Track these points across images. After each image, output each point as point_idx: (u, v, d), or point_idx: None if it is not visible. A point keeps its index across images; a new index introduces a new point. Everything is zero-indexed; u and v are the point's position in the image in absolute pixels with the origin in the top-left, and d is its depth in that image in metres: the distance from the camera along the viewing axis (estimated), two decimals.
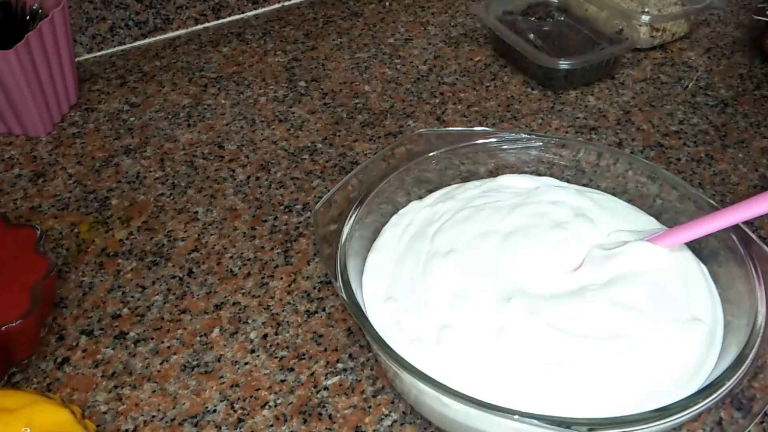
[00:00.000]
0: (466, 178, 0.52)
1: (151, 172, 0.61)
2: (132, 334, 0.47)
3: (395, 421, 0.42)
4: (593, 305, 0.40)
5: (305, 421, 0.42)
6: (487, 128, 0.60)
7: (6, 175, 0.61)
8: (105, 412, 0.43)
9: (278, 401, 0.43)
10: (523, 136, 0.51)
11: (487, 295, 0.41)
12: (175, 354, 0.46)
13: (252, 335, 0.47)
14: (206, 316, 0.48)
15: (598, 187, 0.51)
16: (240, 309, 0.49)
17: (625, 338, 0.38)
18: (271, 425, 0.42)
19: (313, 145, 0.63)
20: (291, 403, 0.43)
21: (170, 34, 0.80)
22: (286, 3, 0.86)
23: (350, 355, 0.46)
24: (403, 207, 0.49)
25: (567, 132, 0.64)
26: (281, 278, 0.51)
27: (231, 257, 0.53)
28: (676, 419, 0.34)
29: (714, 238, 0.43)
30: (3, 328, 0.40)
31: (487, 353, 0.38)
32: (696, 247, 0.45)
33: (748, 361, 0.36)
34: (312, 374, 0.44)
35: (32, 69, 0.60)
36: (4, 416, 0.35)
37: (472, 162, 0.52)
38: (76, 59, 0.74)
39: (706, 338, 0.39)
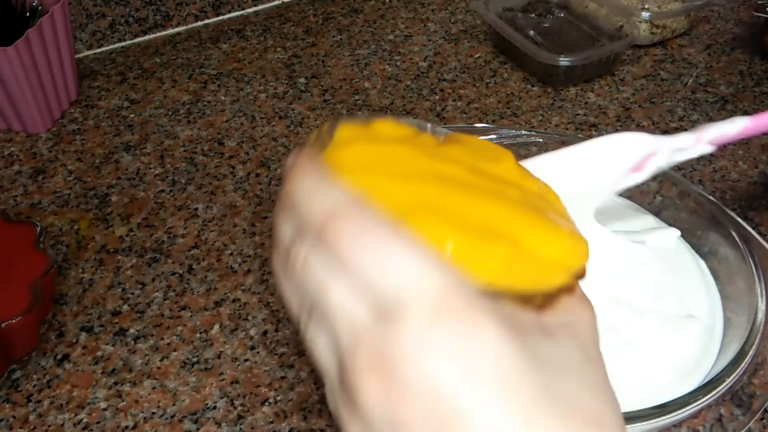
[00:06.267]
0: None
1: (150, 168, 0.61)
2: (132, 330, 0.47)
3: None
4: None
5: (305, 417, 0.42)
6: (487, 125, 0.60)
7: (6, 171, 0.61)
8: (105, 409, 0.43)
9: (278, 398, 0.43)
10: (523, 132, 0.51)
11: None
12: (175, 351, 0.46)
13: (252, 332, 0.47)
14: (206, 312, 0.48)
15: None
16: (240, 306, 0.49)
17: (618, 333, 0.38)
18: (271, 422, 0.42)
19: None
20: (291, 400, 0.43)
21: (170, 31, 0.80)
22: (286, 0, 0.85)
23: None
24: None
25: (567, 129, 0.64)
26: None
27: (231, 254, 0.53)
28: (675, 416, 0.34)
29: (714, 234, 0.43)
30: (3, 325, 0.40)
31: None
32: (696, 243, 0.45)
33: (747, 358, 0.36)
34: (312, 371, 0.44)
35: (32, 66, 0.60)
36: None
37: None
38: (76, 56, 0.74)
39: (702, 335, 0.39)
